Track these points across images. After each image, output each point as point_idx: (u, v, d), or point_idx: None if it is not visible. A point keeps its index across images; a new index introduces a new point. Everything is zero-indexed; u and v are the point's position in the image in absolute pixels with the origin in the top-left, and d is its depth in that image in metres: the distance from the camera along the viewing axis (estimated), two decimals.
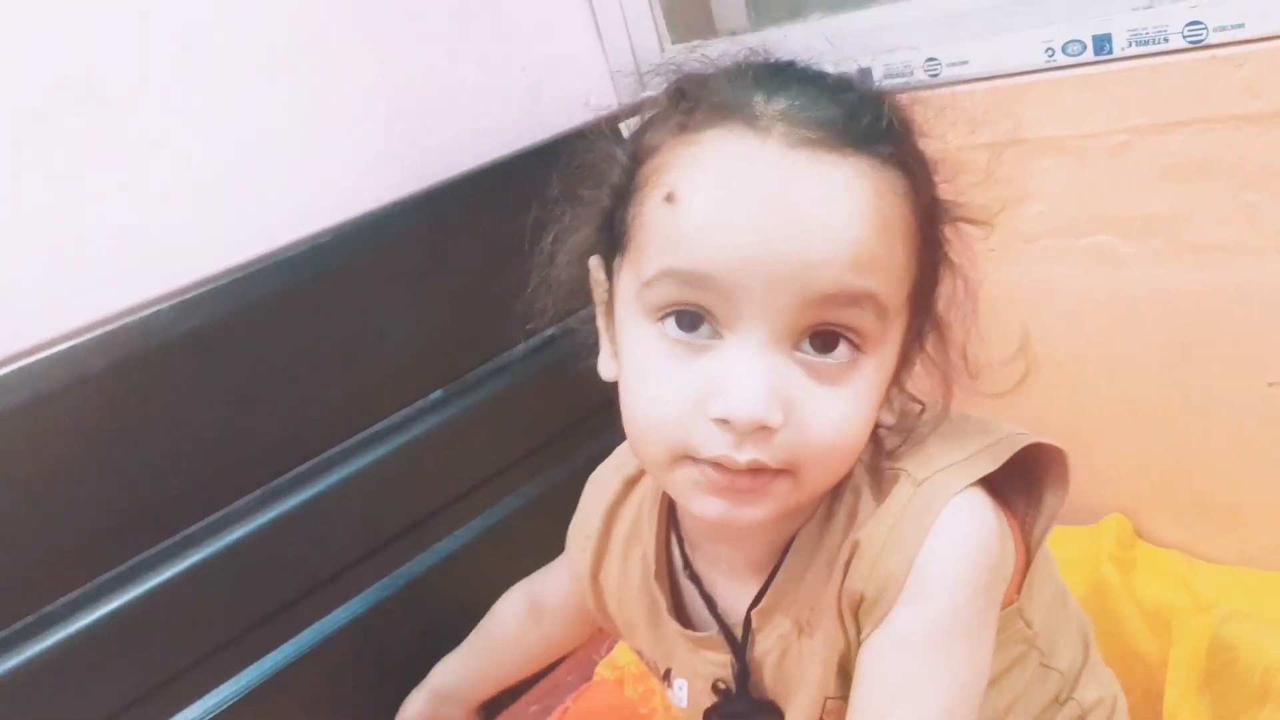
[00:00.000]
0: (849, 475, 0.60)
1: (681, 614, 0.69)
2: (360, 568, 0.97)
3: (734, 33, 1.20)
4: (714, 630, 0.66)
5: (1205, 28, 0.85)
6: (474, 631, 0.91)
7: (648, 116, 0.58)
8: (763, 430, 0.52)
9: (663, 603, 0.68)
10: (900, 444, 0.60)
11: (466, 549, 1.02)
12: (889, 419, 0.61)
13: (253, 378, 0.89)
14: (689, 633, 0.68)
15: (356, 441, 0.96)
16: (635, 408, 0.56)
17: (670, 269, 0.53)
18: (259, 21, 0.94)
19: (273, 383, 0.90)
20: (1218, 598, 0.91)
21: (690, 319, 0.54)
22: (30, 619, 0.79)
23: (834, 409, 0.54)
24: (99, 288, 0.84)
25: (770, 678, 0.65)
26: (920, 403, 0.62)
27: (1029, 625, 0.64)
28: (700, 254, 0.52)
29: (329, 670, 0.95)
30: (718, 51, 0.60)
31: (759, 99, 0.53)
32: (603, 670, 1.01)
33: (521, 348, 1.02)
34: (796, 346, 0.53)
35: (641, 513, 0.72)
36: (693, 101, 0.55)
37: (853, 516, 0.60)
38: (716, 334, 0.53)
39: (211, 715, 0.86)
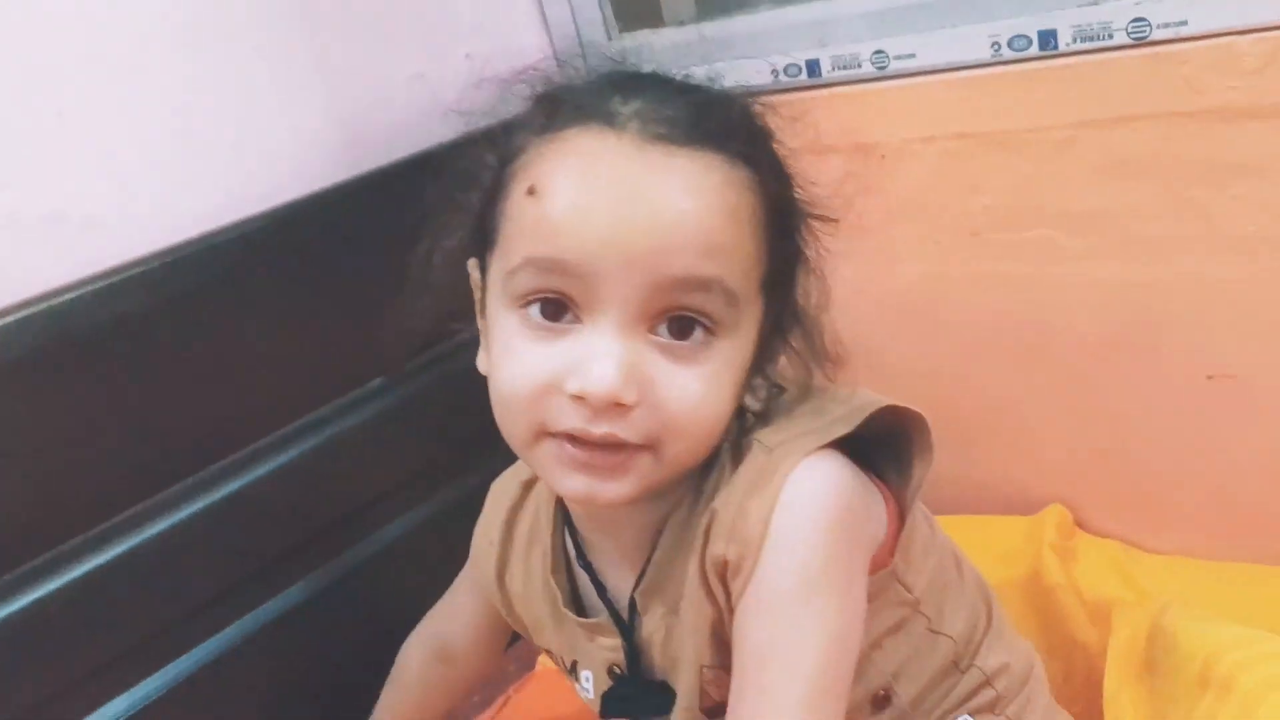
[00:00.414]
0: (715, 454, 0.63)
1: (580, 606, 0.72)
2: (298, 557, 0.95)
3: (682, 22, 1.19)
4: (604, 615, 0.69)
5: (1149, 25, 0.86)
6: (387, 686, 0.90)
7: (514, 120, 0.62)
8: (618, 407, 0.55)
9: (558, 595, 0.71)
10: (760, 421, 0.63)
11: (406, 538, 1.01)
12: (753, 404, 0.64)
13: (183, 364, 0.87)
14: (582, 620, 0.71)
15: (294, 428, 0.94)
16: (497, 387, 0.60)
17: (532, 257, 0.57)
18: None
19: (204, 370, 0.88)
20: (1156, 587, 0.92)
21: (554, 308, 0.57)
22: None
23: (689, 386, 0.57)
24: (20, 271, 0.81)
25: (659, 657, 0.68)
26: (783, 387, 0.66)
27: (909, 590, 0.66)
28: (560, 242, 0.55)
29: (265, 661, 0.93)
30: (589, 63, 0.63)
31: (616, 100, 0.57)
32: (545, 659, 1.00)
33: (465, 336, 1.00)
34: (653, 330, 0.57)
35: (539, 513, 0.75)
36: (555, 104, 0.59)
37: (715, 490, 0.63)
38: (577, 319, 0.57)
39: (144, 704, 0.84)
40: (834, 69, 1.05)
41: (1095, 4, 0.89)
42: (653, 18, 1.22)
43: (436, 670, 0.88)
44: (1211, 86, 0.85)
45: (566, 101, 0.59)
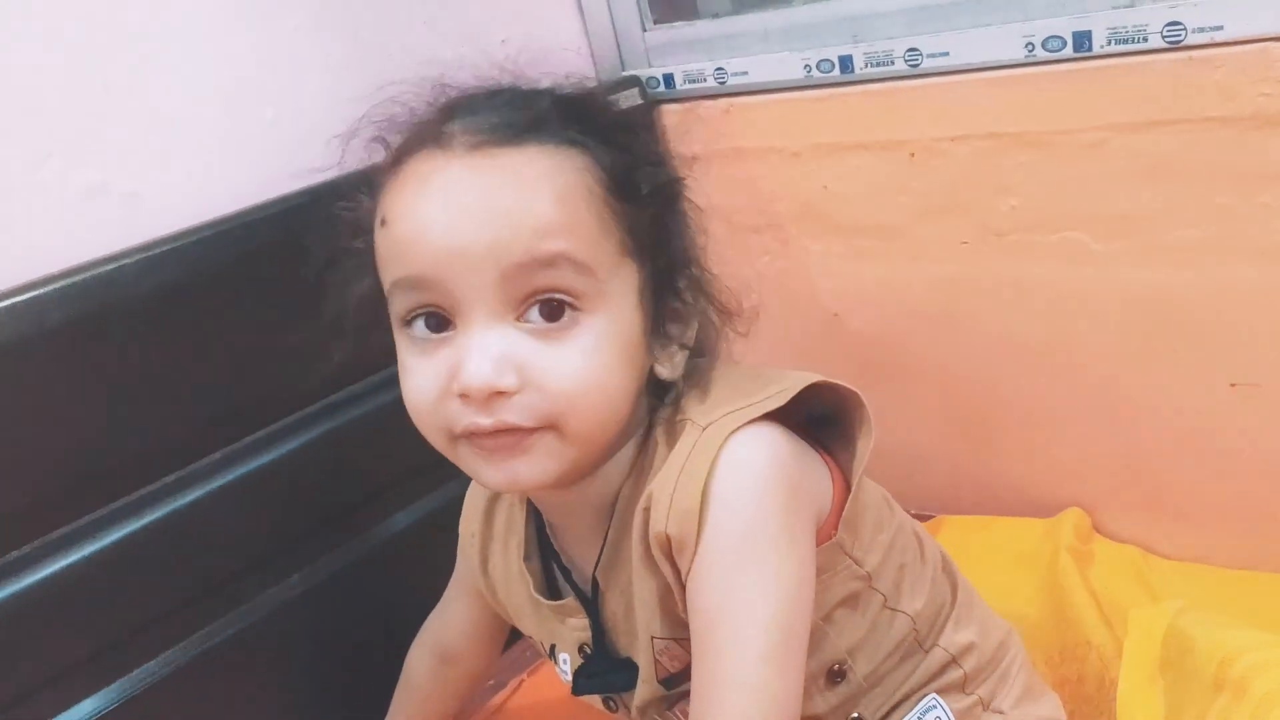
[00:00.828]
0: (650, 430, 0.66)
1: (555, 590, 0.75)
2: (314, 539, 0.96)
3: (716, 15, 1.20)
4: (571, 597, 0.72)
5: (1184, 28, 0.86)
6: (397, 690, 0.92)
7: (377, 164, 0.66)
8: (500, 395, 0.58)
9: (530, 581, 0.74)
10: (690, 396, 0.66)
11: (426, 520, 1.02)
12: (667, 372, 0.66)
13: (213, 337, 0.88)
14: (552, 603, 0.73)
15: (320, 407, 0.95)
16: (406, 403, 0.64)
17: (396, 280, 0.61)
18: None
19: (232, 344, 0.89)
20: (1173, 593, 0.92)
21: (436, 321, 0.61)
22: None
23: (566, 361, 0.59)
24: (63, 241, 0.82)
25: (622, 634, 0.70)
26: (703, 354, 0.68)
27: (859, 564, 0.67)
28: (411, 260, 0.60)
29: (284, 637, 0.94)
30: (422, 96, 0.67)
31: (445, 123, 0.62)
32: None
33: None
34: (521, 317, 0.60)
35: (514, 502, 0.77)
36: (400, 140, 0.65)
37: (652, 468, 0.65)
38: (453, 326, 0.60)
39: (161, 678, 0.86)
40: (867, 65, 1.05)
41: (1131, 6, 0.89)
42: (687, 10, 1.22)
43: (441, 672, 0.90)
44: (1244, 92, 0.85)
45: (408, 135, 0.64)
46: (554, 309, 0.59)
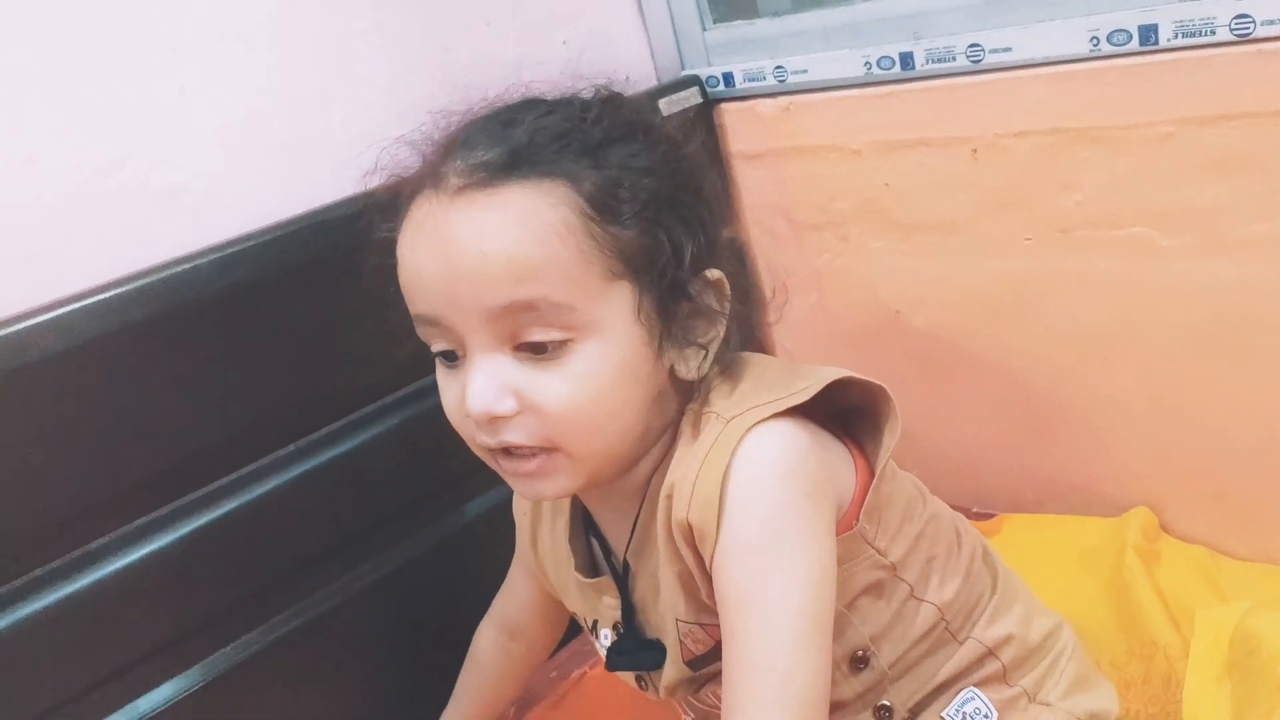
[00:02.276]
0: (676, 422, 0.68)
1: (595, 569, 0.78)
2: (386, 528, 0.98)
3: (776, 14, 1.20)
4: (606, 575, 0.75)
5: (1253, 21, 0.85)
6: (464, 669, 0.95)
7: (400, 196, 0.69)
8: (501, 419, 0.63)
9: (572, 559, 0.78)
10: (718, 390, 0.68)
11: (491, 513, 1.03)
12: (686, 372, 0.67)
13: (286, 334, 0.91)
14: (589, 581, 0.77)
15: (387, 403, 0.97)
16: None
17: (413, 314, 0.66)
18: None
19: (305, 339, 0.92)
20: (1242, 595, 0.90)
21: (449, 352, 0.66)
22: (60, 562, 0.81)
23: (554, 390, 0.63)
24: (146, 240, 0.85)
25: (651, 614, 0.73)
26: (736, 348, 0.70)
27: (882, 555, 0.69)
28: (416, 300, 0.65)
29: (350, 630, 0.97)
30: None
31: (443, 162, 0.65)
32: None
33: None
34: (517, 347, 0.63)
35: None
36: (411, 179, 0.67)
37: (677, 459, 0.67)
38: (462, 356, 0.65)
39: (235, 665, 0.88)
40: (928, 62, 1.05)
41: None
42: (747, 9, 1.23)
43: (507, 648, 0.93)
44: None
45: (417, 172, 0.67)
46: (539, 345, 0.63)
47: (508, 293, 0.61)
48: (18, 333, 0.77)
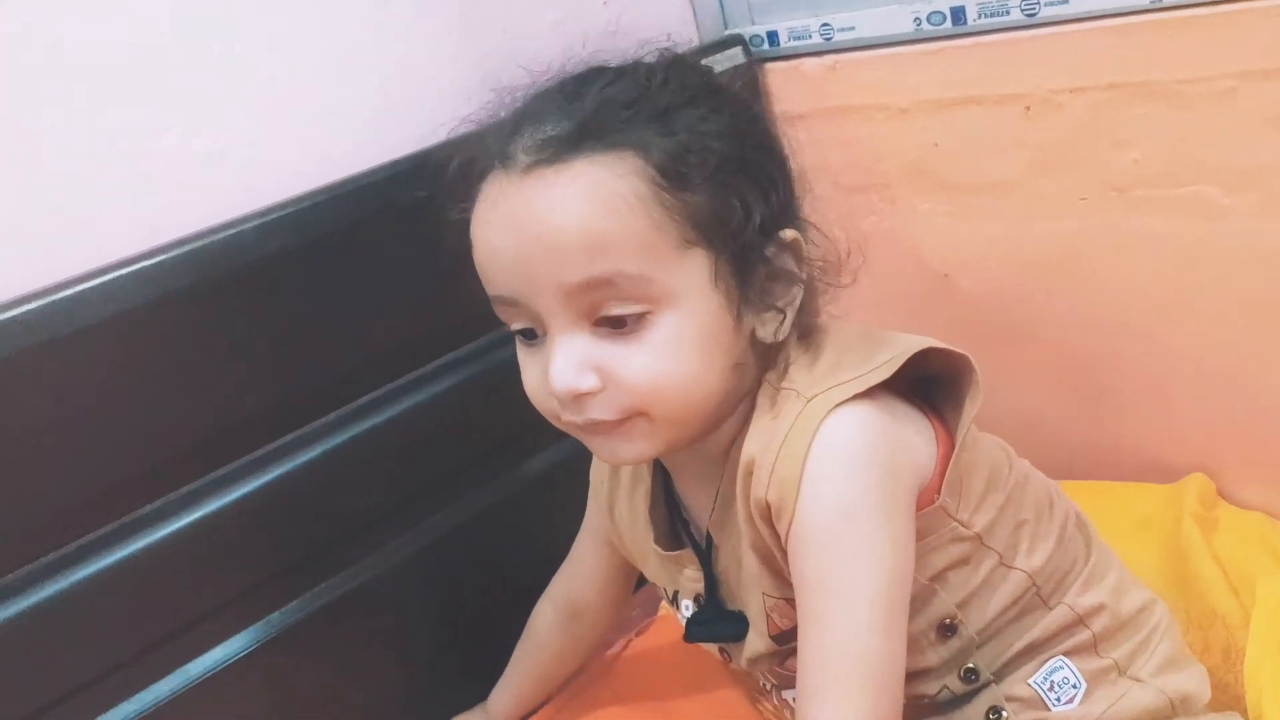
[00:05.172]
0: (752, 396, 0.68)
1: (676, 540, 0.78)
2: (436, 492, 0.98)
3: None
4: (688, 548, 0.75)
5: None
6: (520, 644, 0.95)
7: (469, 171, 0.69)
8: (586, 395, 0.64)
9: (651, 530, 0.78)
10: (798, 363, 0.68)
11: (541, 480, 1.03)
12: (766, 335, 0.67)
13: (334, 298, 0.90)
14: (668, 553, 0.77)
15: (439, 365, 0.97)
16: (526, 391, 0.70)
17: (490, 296, 0.67)
18: None
19: (352, 304, 0.91)
20: None
21: (529, 331, 0.67)
22: (107, 529, 0.81)
23: (637, 362, 0.63)
24: (189, 207, 0.85)
25: (734, 586, 0.73)
26: (812, 313, 0.70)
27: (966, 526, 0.68)
28: (493, 282, 0.66)
29: (405, 593, 0.97)
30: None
31: (512, 138, 0.64)
32: (667, 605, 1.02)
33: None
34: (596, 323, 0.64)
35: None
36: (479, 153, 0.67)
37: (754, 433, 0.67)
38: (542, 334, 0.66)
39: (285, 629, 0.89)
40: (980, 16, 1.02)
41: None
42: None
43: (567, 627, 0.93)
44: None
45: (484, 148, 0.66)
46: (618, 320, 0.63)
47: (584, 269, 0.62)
48: (65, 299, 0.77)
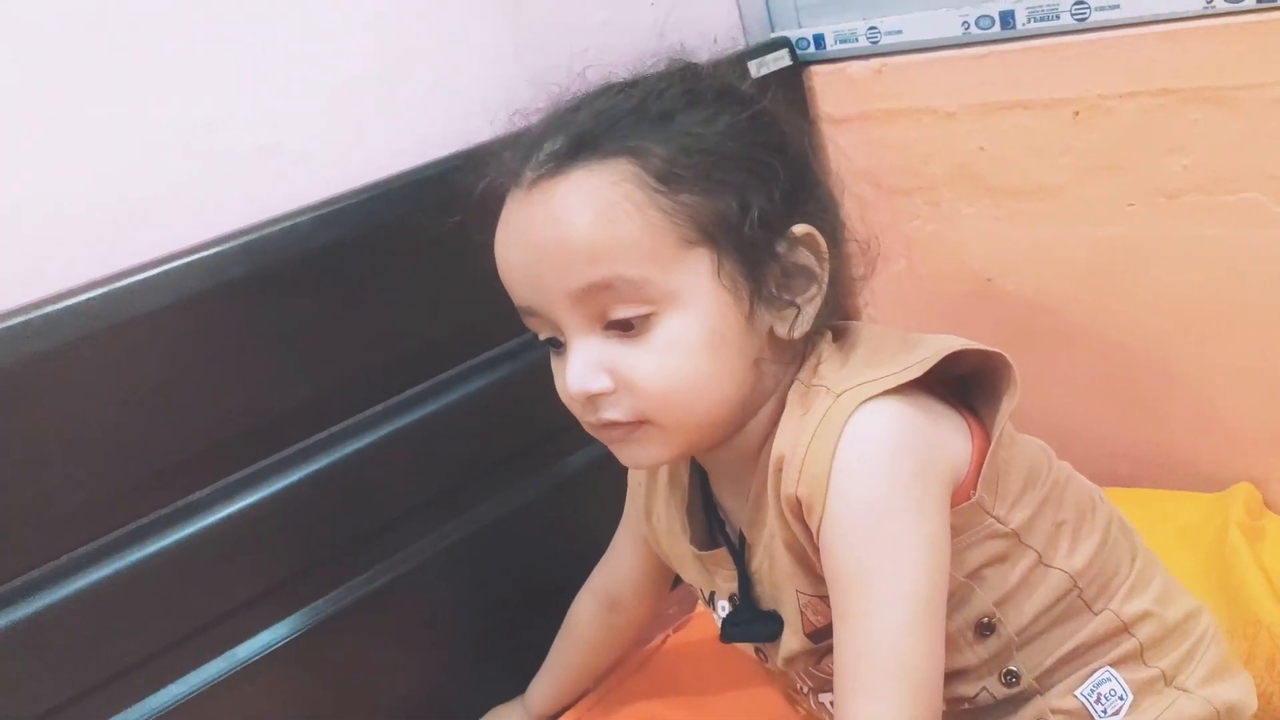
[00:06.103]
0: (784, 388, 0.69)
1: (711, 540, 0.78)
2: (481, 482, 0.99)
3: None
4: (722, 548, 0.75)
5: None
6: (558, 638, 0.95)
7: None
8: (597, 397, 0.65)
9: (686, 533, 0.78)
10: (830, 361, 0.68)
11: (581, 474, 1.04)
12: (784, 331, 0.67)
13: (386, 290, 0.92)
14: (703, 554, 0.77)
15: (490, 357, 0.98)
16: None
17: (515, 306, 0.69)
18: None
19: (404, 296, 0.93)
20: None
21: (553, 340, 0.69)
22: (158, 514, 0.83)
23: (644, 364, 0.64)
24: (240, 200, 0.87)
25: (768, 585, 0.73)
26: (836, 307, 0.70)
27: (1002, 523, 0.67)
28: (513, 294, 0.69)
29: (444, 584, 0.98)
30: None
31: (522, 159, 0.67)
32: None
33: None
34: (606, 326, 0.65)
35: None
36: (500, 179, 0.69)
37: (784, 431, 0.67)
38: (564, 342, 0.67)
39: (325, 617, 0.90)
40: (1030, 20, 1.01)
41: None
42: None
43: (606, 620, 0.94)
44: None
45: (503, 170, 0.69)
46: (625, 322, 0.64)
47: (584, 275, 0.63)
48: (124, 288, 0.79)
